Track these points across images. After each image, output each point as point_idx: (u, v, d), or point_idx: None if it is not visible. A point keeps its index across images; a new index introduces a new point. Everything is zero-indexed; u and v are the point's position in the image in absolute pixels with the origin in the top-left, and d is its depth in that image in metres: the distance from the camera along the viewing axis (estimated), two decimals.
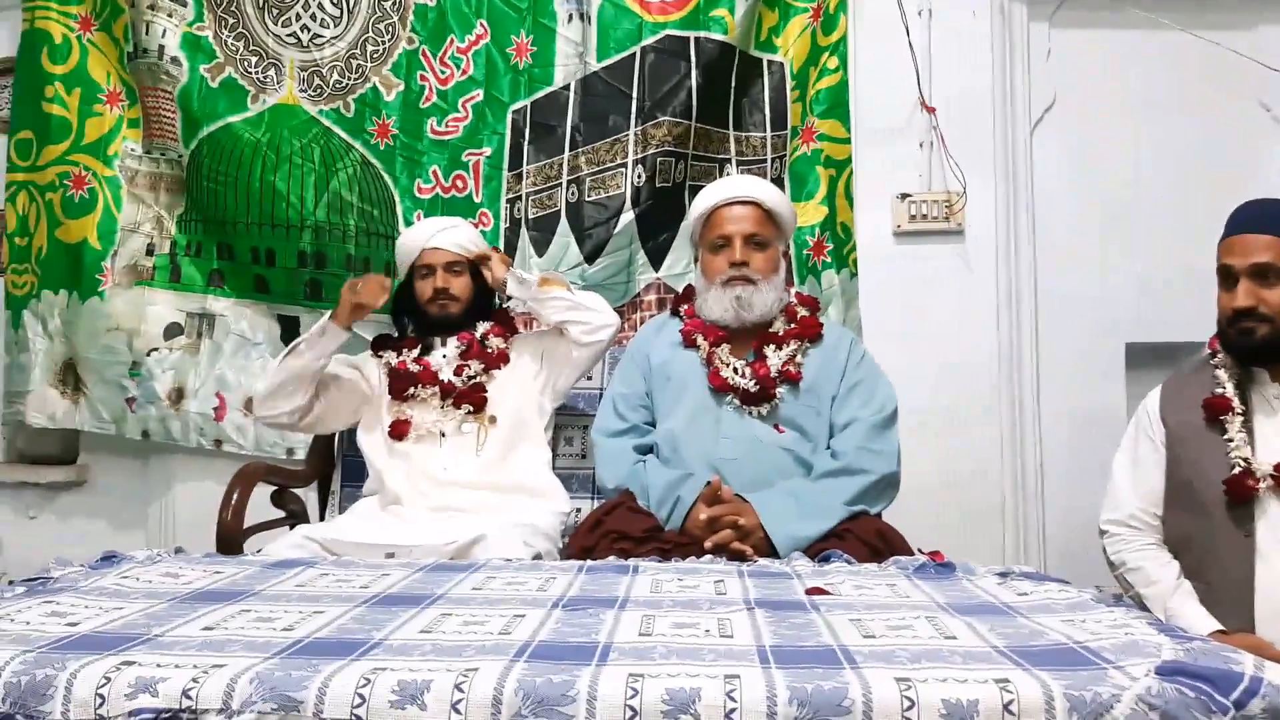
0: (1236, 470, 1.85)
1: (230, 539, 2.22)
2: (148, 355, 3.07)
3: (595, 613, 1.24)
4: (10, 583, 1.40)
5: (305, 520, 2.52)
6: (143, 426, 3.08)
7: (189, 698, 0.95)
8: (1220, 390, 1.94)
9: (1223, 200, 2.05)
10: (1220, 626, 1.82)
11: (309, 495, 2.65)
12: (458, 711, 0.93)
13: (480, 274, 2.45)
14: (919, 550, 1.84)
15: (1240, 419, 1.89)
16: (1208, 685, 0.91)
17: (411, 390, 2.36)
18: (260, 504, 2.43)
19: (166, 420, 3.07)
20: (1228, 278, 1.91)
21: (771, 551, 1.94)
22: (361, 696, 0.94)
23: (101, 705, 0.95)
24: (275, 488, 2.49)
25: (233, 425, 3.09)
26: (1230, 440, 1.88)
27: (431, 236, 2.40)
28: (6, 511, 3.30)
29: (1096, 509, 2.34)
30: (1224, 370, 1.95)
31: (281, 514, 2.50)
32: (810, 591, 1.39)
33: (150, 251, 3.12)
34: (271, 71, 3.04)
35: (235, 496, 2.26)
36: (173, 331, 3.10)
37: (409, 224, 2.97)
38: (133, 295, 3.08)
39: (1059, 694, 0.92)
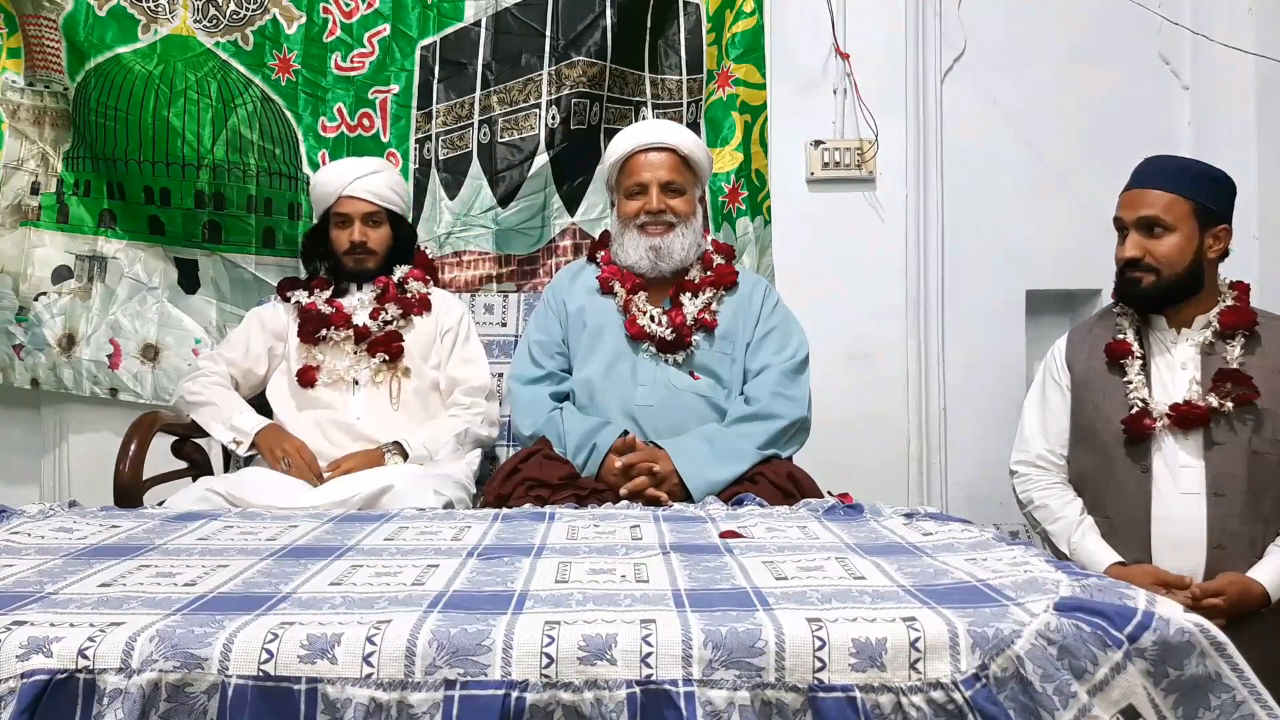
0: (1135, 410, 1.95)
1: (129, 492, 2.15)
2: (35, 300, 2.91)
3: (511, 561, 1.24)
4: None
5: (208, 472, 2.45)
6: (32, 375, 2.94)
7: (85, 657, 0.91)
8: (1121, 336, 2.03)
9: (1128, 153, 2.13)
10: (1120, 559, 1.93)
11: (212, 445, 2.57)
12: (369, 664, 0.92)
13: (400, 221, 2.37)
14: (829, 493, 1.88)
15: (1139, 362, 1.99)
16: (1103, 620, 0.95)
17: (323, 332, 2.28)
18: (161, 454, 2.36)
19: (58, 368, 2.93)
20: (1121, 229, 2.00)
21: (686, 496, 1.96)
22: (269, 651, 0.92)
23: None
24: (176, 437, 2.41)
25: (129, 373, 2.96)
26: (1129, 382, 1.98)
27: (350, 184, 2.29)
28: None
29: (996, 451, 2.44)
30: (1125, 318, 2.05)
31: (183, 465, 2.43)
32: (724, 535, 1.41)
33: (36, 190, 2.94)
34: (163, 0, 2.87)
35: (133, 447, 2.18)
36: (62, 275, 2.95)
37: (313, 164, 2.86)
38: (17, 236, 2.91)
39: (963, 630, 0.96)
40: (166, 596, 1.07)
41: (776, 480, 1.96)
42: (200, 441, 2.48)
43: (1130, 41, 3.05)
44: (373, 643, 0.93)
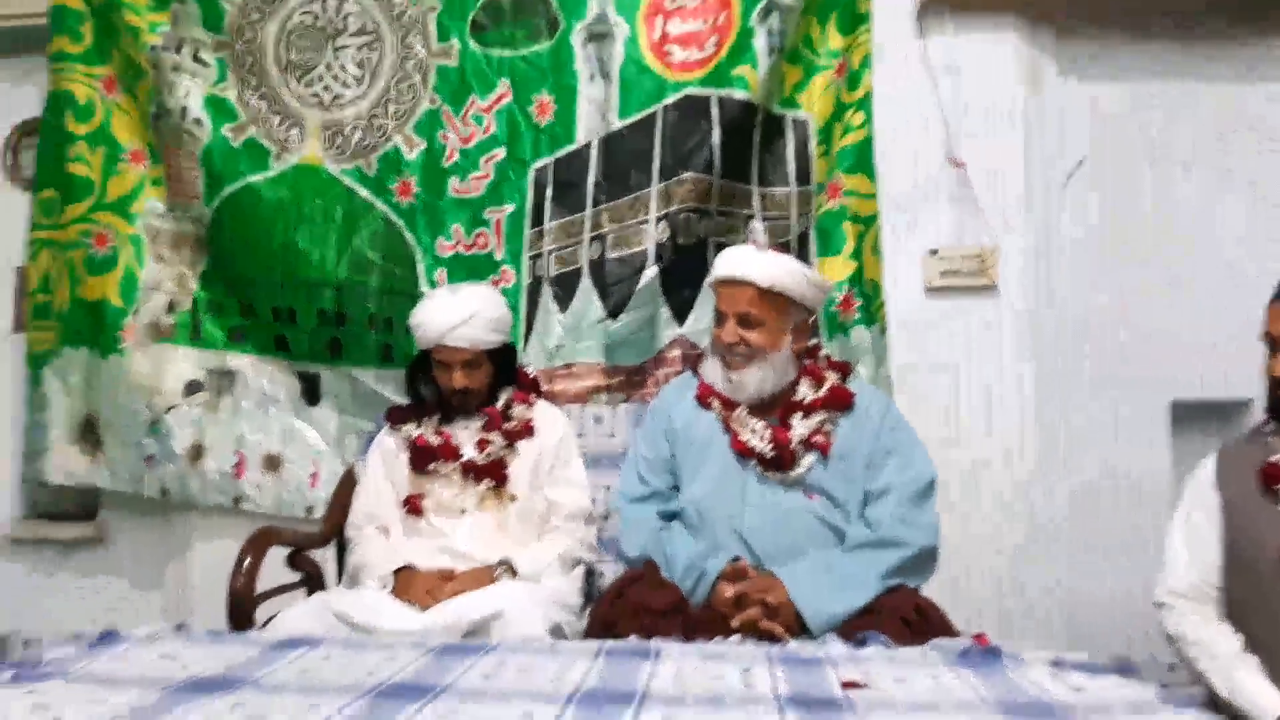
0: None
1: (242, 606, 2.15)
2: (167, 413, 3.03)
3: (611, 714, 1.15)
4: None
5: (321, 583, 2.45)
6: (161, 484, 3.04)
7: None
8: (1275, 458, 1.85)
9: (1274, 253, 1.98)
10: None
11: (327, 554, 2.59)
12: None
13: (501, 350, 2.38)
14: (960, 633, 1.74)
15: None
16: None
17: (432, 465, 2.31)
18: (276, 566, 2.38)
19: (185, 478, 3.03)
20: (1272, 344, 1.85)
21: (803, 628, 1.84)
22: None
23: None
24: (291, 549, 2.42)
25: (251, 483, 3.04)
26: None
27: (446, 333, 2.25)
28: (26, 568, 3.25)
29: (1134, 579, 2.24)
30: (1278, 437, 1.88)
31: (297, 577, 2.43)
32: (846, 685, 1.30)
33: (172, 309, 3.10)
34: (294, 131, 3.03)
35: (247, 562, 2.20)
36: (193, 389, 3.07)
37: (431, 282, 2.93)
38: (154, 352, 3.06)
39: None
40: None
41: (903, 613, 1.82)
42: (313, 554, 2.50)
43: (1270, 139, 2.90)
44: None
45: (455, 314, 2.26)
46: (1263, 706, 1.72)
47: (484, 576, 2.14)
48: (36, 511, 3.29)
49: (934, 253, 2.92)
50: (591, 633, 1.94)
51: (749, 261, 2.09)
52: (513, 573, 2.16)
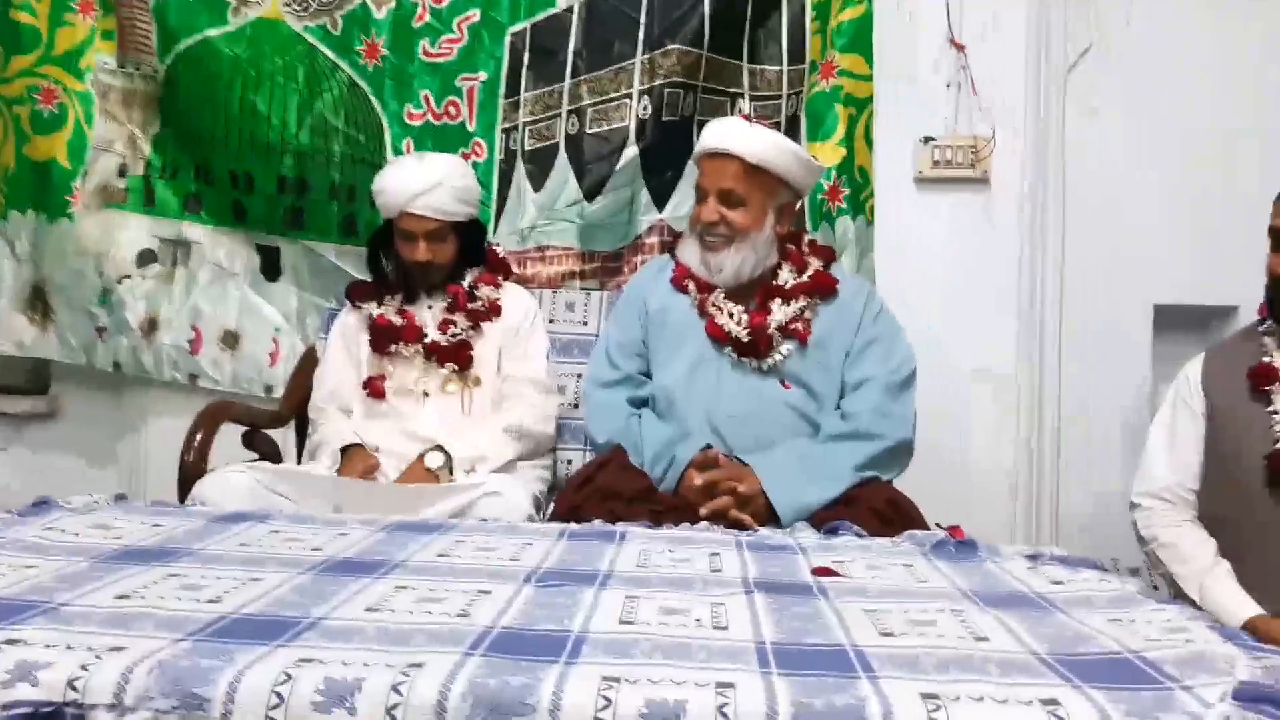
0: None
1: (192, 482, 2.08)
2: (119, 282, 2.89)
3: (571, 591, 1.09)
4: None
5: (279, 463, 2.38)
6: (114, 357, 2.92)
7: (75, 689, 0.79)
8: (1268, 359, 1.80)
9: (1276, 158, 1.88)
10: (1260, 610, 1.70)
11: (287, 436, 2.51)
12: (393, 718, 0.78)
13: (468, 225, 2.27)
14: (936, 524, 1.69)
15: None
16: None
17: (393, 347, 2.21)
18: (232, 444, 2.30)
19: (139, 352, 2.91)
20: (1276, 239, 1.77)
21: (773, 518, 1.79)
22: (279, 696, 0.79)
23: None
24: (247, 428, 2.34)
25: (209, 359, 2.93)
26: (1276, 413, 1.75)
27: (410, 200, 2.14)
28: None
29: (1115, 481, 2.21)
30: (1272, 337, 1.83)
31: (254, 456, 2.36)
32: (816, 571, 1.24)
33: (123, 172, 2.92)
34: None
35: (199, 437, 2.13)
36: (146, 258, 2.92)
37: (397, 151, 2.77)
38: (103, 218, 2.89)
39: None
40: (185, 616, 0.95)
41: (876, 506, 1.77)
42: (271, 433, 2.42)
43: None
44: (399, 692, 0.79)
45: (421, 180, 2.15)
46: (1232, 611, 1.71)
47: (419, 476, 2.03)
48: None
49: (926, 141, 2.79)
50: (556, 518, 1.88)
51: (737, 133, 1.97)
52: (448, 457, 2.05)
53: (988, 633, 0.98)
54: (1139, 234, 2.80)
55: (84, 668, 0.80)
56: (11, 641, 0.85)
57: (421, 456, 2.04)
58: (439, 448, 2.05)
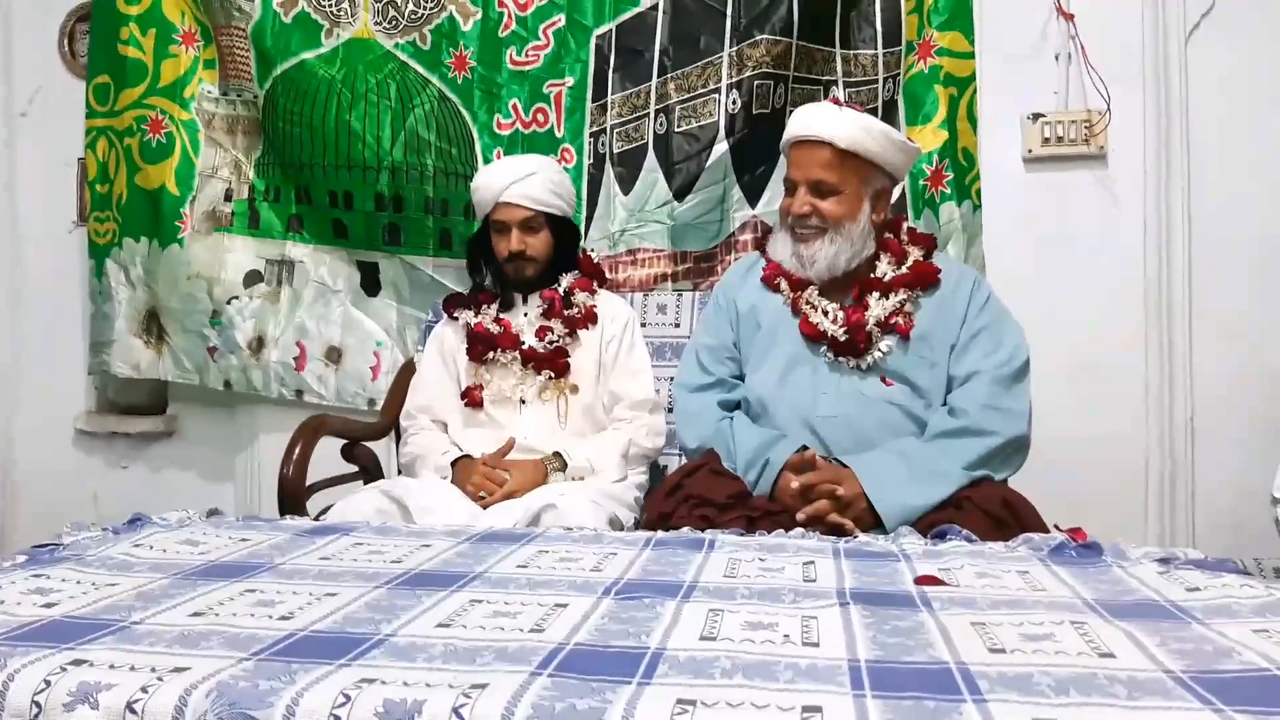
0: None
1: (292, 495, 2.11)
2: (228, 303, 2.98)
3: (652, 604, 1.03)
4: (16, 555, 1.27)
5: (379, 476, 2.40)
6: (225, 376, 3.01)
7: (134, 711, 0.77)
8: None
9: None
10: None
11: (388, 448, 2.53)
12: None
13: (562, 223, 2.25)
14: (1055, 526, 1.56)
15: None
16: None
17: (490, 354, 2.20)
18: (333, 457, 2.32)
19: (248, 370, 2.99)
20: None
21: (876, 523, 1.69)
22: (337, 718, 0.75)
23: (38, 716, 0.79)
24: (347, 441, 2.37)
25: (313, 375, 2.99)
26: None
27: (504, 190, 2.16)
28: (99, 463, 3.29)
29: (1254, 474, 2.03)
30: None
31: (353, 469, 2.38)
32: (920, 580, 1.14)
33: (228, 196, 3.02)
34: (345, 4, 2.87)
35: (297, 451, 2.15)
36: (252, 279, 3.01)
37: (488, 162, 2.77)
38: (211, 242, 2.99)
39: None
40: (252, 633, 0.93)
41: (988, 507, 1.65)
42: (372, 445, 2.44)
43: None
44: (459, 715, 0.74)
45: (515, 170, 2.21)
46: None
47: (537, 473, 2.04)
48: (108, 405, 3.30)
49: (1035, 118, 2.63)
50: (647, 527, 1.82)
51: (826, 118, 1.87)
52: (564, 465, 2.05)
53: (1113, 648, 0.87)
54: (1274, 210, 2.58)
55: (144, 689, 0.79)
56: (77, 662, 0.84)
57: (541, 462, 2.06)
58: (558, 456, 2.07)
